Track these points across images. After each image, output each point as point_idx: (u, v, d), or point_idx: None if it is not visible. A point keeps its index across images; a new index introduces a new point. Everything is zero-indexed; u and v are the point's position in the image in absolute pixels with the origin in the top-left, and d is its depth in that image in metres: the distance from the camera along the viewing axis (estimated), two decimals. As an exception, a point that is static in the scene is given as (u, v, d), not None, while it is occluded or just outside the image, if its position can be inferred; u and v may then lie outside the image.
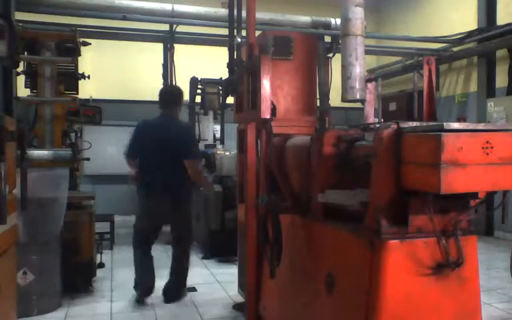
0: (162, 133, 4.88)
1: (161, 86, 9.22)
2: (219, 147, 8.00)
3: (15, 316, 3.30)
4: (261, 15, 7.42)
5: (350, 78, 3.55)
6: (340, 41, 3.70)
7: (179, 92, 5.20)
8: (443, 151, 2.09)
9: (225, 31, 4.59)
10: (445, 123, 2.17)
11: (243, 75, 4.03)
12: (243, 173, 4.24)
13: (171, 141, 4.83)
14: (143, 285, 4.94)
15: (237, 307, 4.73)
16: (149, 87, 10.16)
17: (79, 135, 6.43)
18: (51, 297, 4.72)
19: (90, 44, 6.13)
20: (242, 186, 4.33)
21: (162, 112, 5.07)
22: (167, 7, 8.14)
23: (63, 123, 5.62)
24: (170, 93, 5.23)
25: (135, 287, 5.00)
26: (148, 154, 4.90)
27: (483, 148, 2.16)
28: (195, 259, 6.77)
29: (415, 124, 2.48)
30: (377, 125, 2.76)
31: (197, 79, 8.41)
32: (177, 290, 5.07)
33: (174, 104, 5.06)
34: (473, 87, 9.46)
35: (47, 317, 4.55)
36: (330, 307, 2.81)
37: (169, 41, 9.14)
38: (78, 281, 5.18)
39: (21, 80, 5.83)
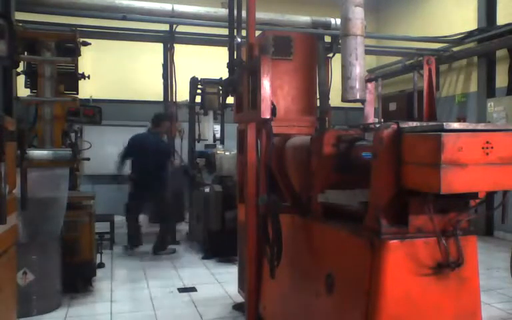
0: (148, 144, 7.26)
1: (161, 86, 9.29)
2: (219, 146, 8.00)
3: (14, 316, 3.30)
4: (261, 15, 7.42)
5: (350, 78, 3.55)
6: (340, 41, 3.70)
7: (163, 117, 7.68)
8: (443, 151, 2.09)
9: (225, 31, 4.59)
10: (444, 123, 2.17)
11: (243, 75, 4.02)
12: (243, 173, 4.24)
13: (154, 151, 7.21)
14: (133, 240, 7.35)
15: (237, 306, 4.73)
16: (149, 87, 10.20)
17: (78, 134, 6.42)
18: (51, 297, 4.73)
19: (90, 44, 6.13)
20: (242, 186, 4.33)
21: (151, 129, 7.50)
22: (167, 7, 8.15)
23: (63, 123, 5.62)
24: (157, 117, 7.52)
25: (128, 242, 7.42)
26: (139, 159, 7.25)
27: (482, 148, 2.16)
28: (195, 259, 6.78)
29: (415, 124, 2.47)
30: (377, 125, 2.76)
31: (196, 79, 8.41)
32: (161, 244, 7.26)
33: (158, 125, 7.44)
34: (473, 87, 9.46)
35: (47, 316, 4.56)
36: (330, 307, 2.81)
37: (168, 41, 9.13)
38: (78, 281, 5.19)
39: (20, 80, 5.83)
